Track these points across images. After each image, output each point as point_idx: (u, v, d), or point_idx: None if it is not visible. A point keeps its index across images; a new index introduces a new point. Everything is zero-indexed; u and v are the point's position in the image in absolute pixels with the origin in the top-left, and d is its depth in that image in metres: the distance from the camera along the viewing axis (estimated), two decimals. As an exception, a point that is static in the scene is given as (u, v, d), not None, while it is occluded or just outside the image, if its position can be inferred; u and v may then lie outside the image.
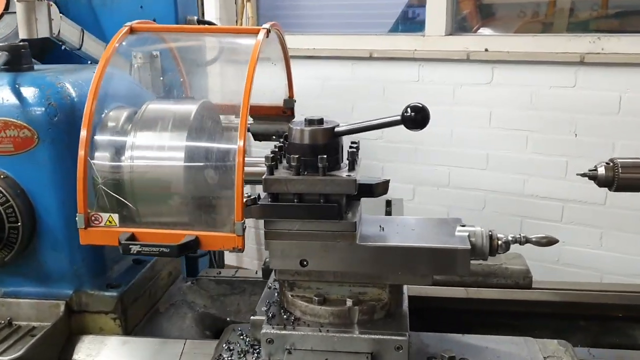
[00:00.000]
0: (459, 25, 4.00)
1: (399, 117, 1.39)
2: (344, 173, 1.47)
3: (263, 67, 2.27)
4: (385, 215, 2.65)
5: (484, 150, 3.84)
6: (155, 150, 1.60)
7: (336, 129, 1.50)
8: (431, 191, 4.04)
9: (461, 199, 3.95)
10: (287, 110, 2.17)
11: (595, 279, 3.60)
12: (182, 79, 2.16)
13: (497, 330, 2.01)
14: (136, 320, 1.85)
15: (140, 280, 1.88)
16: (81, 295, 1.75)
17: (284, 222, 1.48)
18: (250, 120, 2.22)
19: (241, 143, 1.41)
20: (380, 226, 1.62)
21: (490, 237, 1.50)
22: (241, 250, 1.42)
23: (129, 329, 1.80)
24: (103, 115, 1.70)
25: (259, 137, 2.23)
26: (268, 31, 1.65)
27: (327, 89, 4.22)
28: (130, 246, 1.36)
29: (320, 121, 1.53)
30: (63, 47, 2.12)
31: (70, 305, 1.74)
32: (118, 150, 1.61)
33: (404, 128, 1.40)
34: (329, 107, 4.17)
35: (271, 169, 1.48)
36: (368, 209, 1.85)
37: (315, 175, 1.45)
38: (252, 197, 1.49)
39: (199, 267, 2.68)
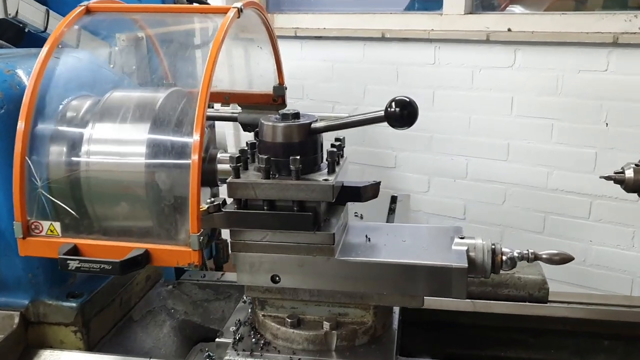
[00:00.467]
0: (485, 3, 3.70)
1: (382, 113, 1.17)
2: (321, 177, 1.27)
3: (252, 51, 2.08)
4: (389, 213, 2.46)
5: (505, 139, 3.59)
6: (112, 144, 1.42)
7: (313, 125, 1.29)
8: (447, 183, 3.81)
9: (479, 192, 3.71)
10: (277, 98, 2.00)
11: (626, 282, 3.33)
12: (161, 64, 1.98)
13: (508, 348, 1.82)
14: (103, 332, 1.69)
15: (107, 287, 1.71)
16: (39, 305, 1.59)
17: (252, 233, 1.31)
18: (238, 109, 2.05)
19: (197, 137, 1.21)
20: (366, 236, 1.41)
21: (493, 251, 1.30)
22: (197, 266, 1.23)
23: (94, 342, 1.64)
24: (61, 106, 1.52)
25: (248, 127, 2.07)
26: (239, 10, 1.43)
27: (337, 71, 4.00)
28: (68, 262, 1.18)
29: (296, 115, 1.32)
30: (27, 30, 1.94)
31: (26, 316, 1.59)
32: (72, 146, 1.43)
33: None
34: (339, 91, 3.97)
35: (237, 171, 1.29)
36: (370, 205, 1.64)
37: (287, 179, 1.26)
38: (215, 203, 1.30)
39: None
